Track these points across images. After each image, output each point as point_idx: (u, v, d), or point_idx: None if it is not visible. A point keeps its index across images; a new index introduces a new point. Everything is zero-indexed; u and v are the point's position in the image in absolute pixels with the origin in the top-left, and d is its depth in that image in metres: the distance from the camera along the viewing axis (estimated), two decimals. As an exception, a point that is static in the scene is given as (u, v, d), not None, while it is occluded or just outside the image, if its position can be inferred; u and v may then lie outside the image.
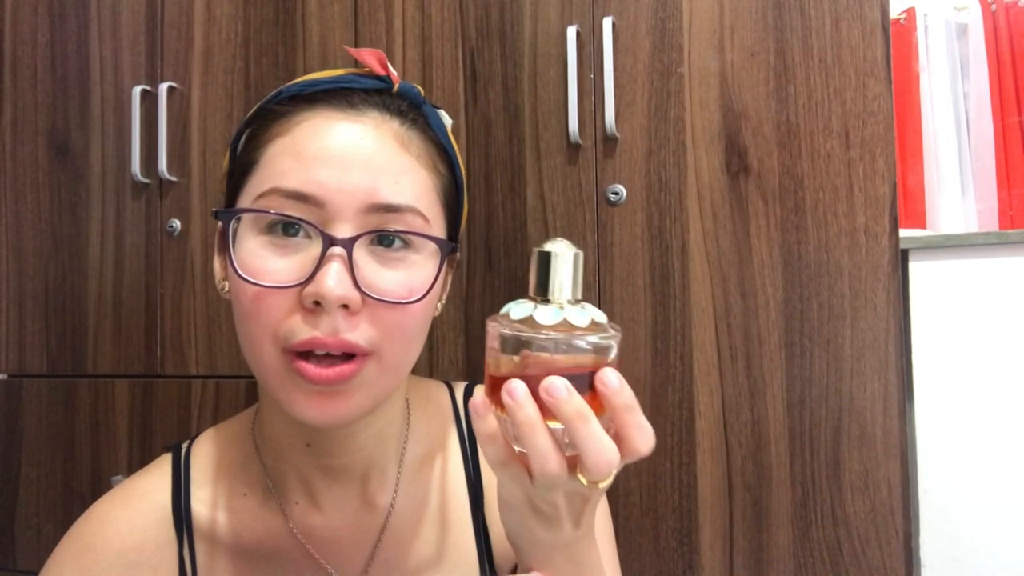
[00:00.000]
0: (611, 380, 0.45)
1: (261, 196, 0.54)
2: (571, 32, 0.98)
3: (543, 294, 0.46)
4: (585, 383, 0.45)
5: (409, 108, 0.59)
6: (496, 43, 1.04)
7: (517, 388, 0.43)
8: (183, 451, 0.65)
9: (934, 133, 1.41)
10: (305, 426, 0.59)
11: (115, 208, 1.24)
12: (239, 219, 0.55)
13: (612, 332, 0.46)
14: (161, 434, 1.17)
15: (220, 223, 0.58)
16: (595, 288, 0.99)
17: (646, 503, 0.94)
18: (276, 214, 0.53)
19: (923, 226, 1.40)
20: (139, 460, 1.18)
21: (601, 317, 0.46)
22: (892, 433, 0.88)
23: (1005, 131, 1.39)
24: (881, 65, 0.90)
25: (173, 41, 1.22)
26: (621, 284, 0.98)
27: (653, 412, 0.95)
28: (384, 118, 0.57)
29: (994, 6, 1.41)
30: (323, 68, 1.12)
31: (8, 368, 1.30)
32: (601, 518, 0.70)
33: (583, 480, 0.45)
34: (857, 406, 0.89)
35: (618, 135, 0.98)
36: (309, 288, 0.52)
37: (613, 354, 0.46)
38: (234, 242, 0.55)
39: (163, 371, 1.19)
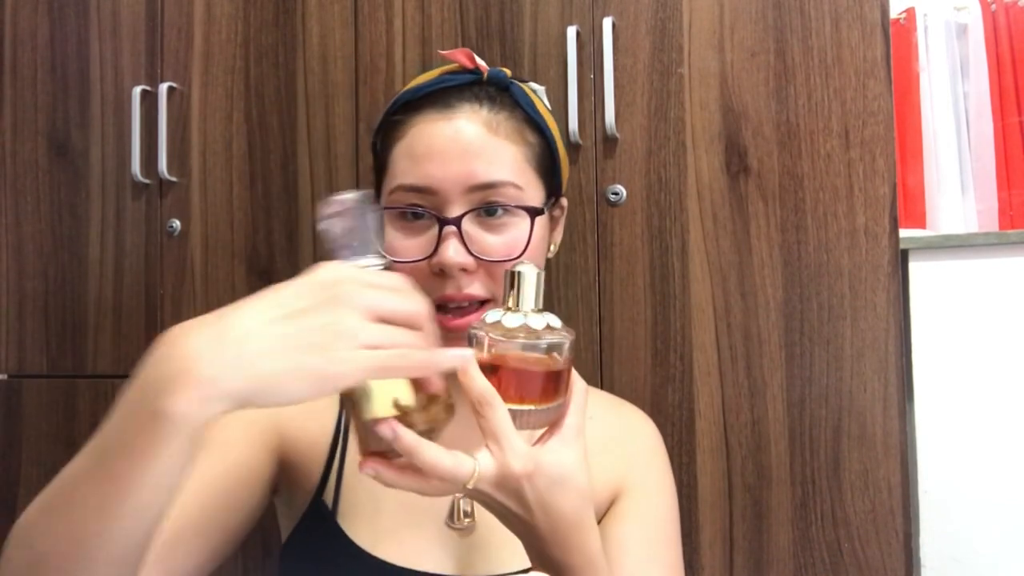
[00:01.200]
0: (387, 434, 0.49)
1: (391, 192, 0.70)
2: (571, 32, 0.98)
3: (513, 305, 0.55)
4: (538, 380, 0.54)
5: (497, 92, 0.72)
6: (496, 43, 1.04)
7: (386, 429, 0.49)
8: None
9: (934, 133, 1.41)
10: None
11: (115, 208, 1.24)
12: (382, 213, 0.71)
13: (564, 335, 0.55)
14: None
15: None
16: (595, 288, 0.99)
17: (646, 503, 0.94)
18: (402, 207, 0.69)
19: (923, 226, 1.40)
20: (139, 460, 1.18)
21: (556, 323, 0.55)
22: (892, 433, 0.88)
23: (1005, 131, 1.39)
24: (881, 65, 0.90)
25: (173, 41, 1.22)
26: (621, 284, 0.98)
27: (653, 412, 0.95)
28: (475, 108, 0.70)
29: (994, 6, 1.41)
30: (323, 68, 1.13)
31: (8, 368, 1.30)
32: (663, 512, 0.77)
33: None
34: (857, 406, 0.89)
35: (618, 135, 0.98)
36: (434, 260, 0.66)
37: (565, 352, 0.54)
38: (384, 230, 0.70)
39: (163, 371, 1.19)
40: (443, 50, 1.07)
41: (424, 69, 1.08)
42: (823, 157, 0.91)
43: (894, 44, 1.16)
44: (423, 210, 0.68)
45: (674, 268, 0.96)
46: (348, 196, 0.54)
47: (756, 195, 0.94)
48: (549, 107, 0.79)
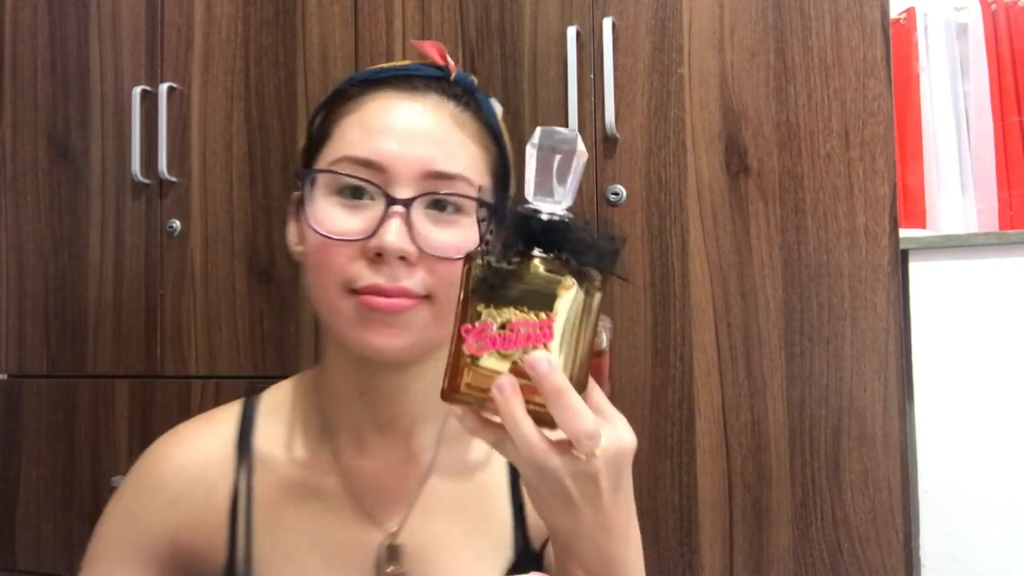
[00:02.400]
0: (540, 364, 0.46)
1: (333, 163, 0.62)
2: (571, 32, 0.98)
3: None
4: (595, 366, 0.49)
5: (463, 93, 0.66)
6: (496, 43, 1.04)
7: (505, 384, 0.46)
8: (255, 397, 0.74)
9: (934, 133, 1.41)
10: (361, 374, 0.67)
11: (115, 208, 1.24)
12: (313, 182, 0.63)
13: (606, 321, 0.51)
14: (161, 434, 1.17)
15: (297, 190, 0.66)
16: (595, 288, 0.99)
17: (646, 503, 0.94)
18: (347, 175, 0.61)
19: (923, 226, 1.40)
20: (139, 460, 1.18)
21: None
22: (892, 433, 0.88)
23: (1005, 131, 1.39)
24: (881, 65, 0.90)
25: (173, 41, 1.22)
26: (621, 284, 0.98)
27: (653, 412, 0.95)
28: (442, 100, 0.64)
29: (994, 6, 1.41)
30: (323, 68, 1.13)
31: (8, 368, 1.30)
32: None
33: (582, 456, 0.48)
34: (857, 406, 0.89)
35: (618, 135, 0.98)
36: (372, 241, 0.59)
37: (608, 337, 0.50)
38: (310, 202, 0.62)
39: (163, 371, 1.19)
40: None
41: (424, 69, 1.08)
42: (823, 157, 0.91)
43: (894, 44, 1.16)
44: (368, 183, 0.60)
45: (674, 268, 0.96)
46: (570, 132, 0.49)
47: (756, 195, 0.94)
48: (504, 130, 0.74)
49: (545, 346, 0.47)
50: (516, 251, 0.48)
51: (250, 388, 1.12)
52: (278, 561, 0.66)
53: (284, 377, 0.76)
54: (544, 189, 0.48)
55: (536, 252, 0.48)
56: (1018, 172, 1.38)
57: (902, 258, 0.98)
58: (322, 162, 0.63)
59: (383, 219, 0.59)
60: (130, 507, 0.69)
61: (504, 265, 0.48)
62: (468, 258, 0.49)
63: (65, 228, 1.27)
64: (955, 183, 1.40)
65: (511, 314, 0.47)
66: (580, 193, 0.99)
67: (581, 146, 0.49)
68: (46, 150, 1.30)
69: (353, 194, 0.61)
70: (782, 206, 0.93)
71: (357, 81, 0.66)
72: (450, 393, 0.49)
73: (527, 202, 0.49)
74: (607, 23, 0.97)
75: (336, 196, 0.62)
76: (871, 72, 0.90)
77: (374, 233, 0.59)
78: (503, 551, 0.69)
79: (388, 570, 0.66)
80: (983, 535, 1.00)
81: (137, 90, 1.21)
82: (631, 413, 0.88)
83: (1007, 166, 1.38)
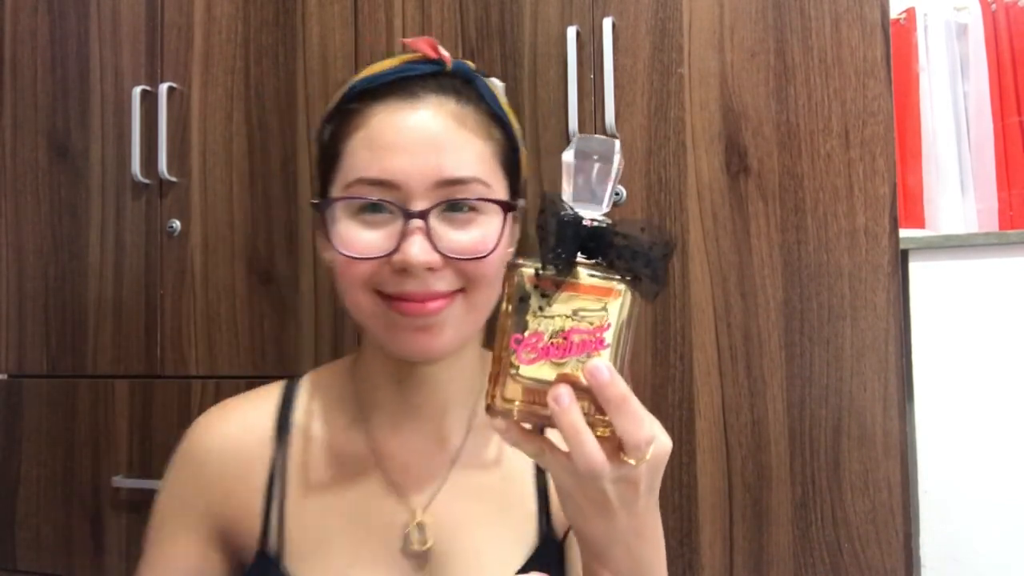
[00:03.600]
0: (601, 373, 0.46)
1: (349, 185, 0.64)
2: (571, 32, 0.98)
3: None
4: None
5: (462, 85, 0.68)
6: (496, 43, 1.04)
7: (563, 394, 0.46)
8: (298, 377, 0.78)
9: (934, 133, 1.41)
10: (398, 366, 0.69)
11: (115, 208, 1.24)
12: (333, 205, 0.66)
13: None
14: (161, 434, 1.17)
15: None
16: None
17: (646, 503, 0.94)
18: (364, 199, 0.63)
19: (923, 226, 1.40)
20: (139, 460, 1.18)
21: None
22: (892, 433, 0.88)
23: (1005, 131, 1.39)
24: (881, 65, 0.90)
25: (173, 41, 1.22)
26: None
27: (653, 412, 0.95)
28: (441, 100, 0.65)
29: (994, 6, 1.41)
30: (323, 68, 1.13)
31: (8, 368, 1.30)
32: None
33: (631, 461, 0.48)
34: (857, 406, 0.89)
35: (618, 135, 0.98)
36: (396, 257, 0.61)
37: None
38: (332, 223, 0.65)
39: (163, 371, 1.19)
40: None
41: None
42: (823, 157, 0.91)
43: (894, 44, 1.16)
44: (386, 203, 0.63)
45: (674, 268, 0.96)
46: (603, 138, 0.48)
47: (756, 195, 0.94)
48: (509, 105, 0.75)
49: (599, 354, 0.46)
50: (563, 258, 0.47)
51: (250, 388, 1.13)
52: (310, 533, 0.69)
53: (284, 377, 0.78)
54: (584, 195, 0.48)
55: (582, 259, 0.47)
56: (1018, 172, 1.38)
57: (902, 258, 0.98)
58: (338, 183, 0.66)
59: (403, 234, 0.61)
60: (178, 479, 0.74)
61: (552, 273, 0.47)
62: (512, 267, 0.48)
63: (65, 228, 1.27)
64: (955, 183, 1.40)
65: (563, 323, 0.47)
66: (580, 193, 0.99)
67: (618, 152, 0.48)
68: (46, 150, 1.30)
69: (372, 210, 0.64)
70: (782, 206, 0.93)
71: (358, 91, 0.67)
72: (497, 406, 0.48)
73: (567, 208, 0.48)
74: (607, 23, 0.97)
75: (357, 215, 0.64)
76: (871, 72, 0.90)
77: (397, 248, 0.61)
78: (526, 536, 0.71)
79: (414, 547, 0.68)
80: (983, 535, 1.00)
81: (137, 90, 1.21)
82: (631, 413, 0.88)
83: (1007, 166, 1.38)
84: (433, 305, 0.62)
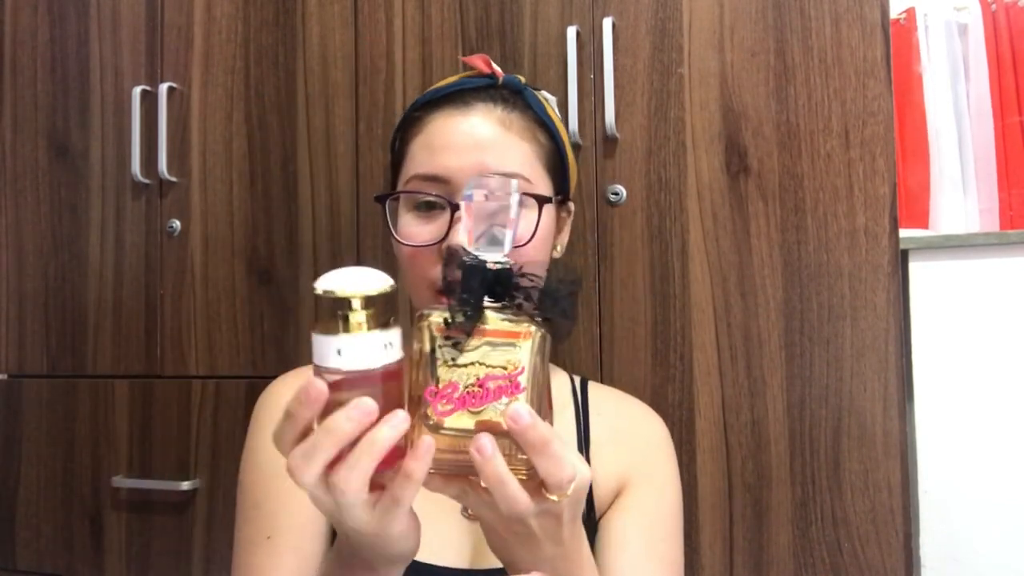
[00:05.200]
0: (522, 418, 0.46)
1: (407, 182, 0.74)
2: (571, 32, 0.98)
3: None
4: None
5: (511, 95, 0.77)
6: (496, 43, 1.04)
7: (486, 445, 0.46)
8: None
9: (935, 133, 1.41)
10: None
11: (115, 208, 1.24)
12: (397, 199, 0.76)
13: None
14: (161, 434, 1.17)
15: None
16: (595, 288, 0.99)
17: (646, 503, 0.94)
18: (414, 192, 0.73)
19: (925, 226, 1.40)
20: (139, 460, 1.18)
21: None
22: (892, 433, 0.88)
23: (1005, 131, 1.39)
24: (881, 65, 0.90)
25: (173, 41, 1.22)
26: (621, 284, 0.98)
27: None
28: (489, 107, 0.74)
29: (994, 6, 1.41)
30: (323, 68, 1.13)
31: (8, 368, 1.30)
32: (668, 506, 0.79)
33: (553, 498, 0.48)
34: (857, 406, 0.89)
35: (618, 135, 0.98)
36: (445, 244, 0.69)
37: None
38: (395, 218, 0.76)
39: (163, 371, 1.19)
40: (443, 50, 1.07)
41: (424, 69, 1.08)
42: (823, 157, 0.91)
43: (894, 44, 1.16)
44: (435, 196, 0.71)
45: (674, 268, 0.96)
46: (500, 178, 0.49)
47: (756, 195, 0.94)
48: (559, 115, 0.83)
49: (516, 397, 0.46)
50: (471, 304, 0.46)
51: (250, 388, 1.13)
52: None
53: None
54: (484, 238, 0.48)
55: (490, 303, 0.47)
56: (1019, 172, 1.38)
57: (902, 258, 0.98)
58: (400, 181, 0.76)
59: (452, 223, 0.69)
60: (253, 448, 0.79)
61: (461, 321, 0.46)
62: (420, 317, 0.47)
63: (65, 228, 1.27)
64: (956, 183, 1.40)
65: (477, 370, 0.46)
66: (580, 193, 0.99)
67: (516, 191, 0.48)
68: (46, 150, 1.30)
69: (427, 205, 0.72)
70: (782, 206, 0.93)
71: (421, 103, 0.77)
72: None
73: (470, 254, 0.47)
74: (607, 23, 0.97)
75: (414, 210, 0.73)
76: (871, 72, 0.90)
77: (445, 236, 0.69)
78: None
79: (472, 512, 0.71)
80: (983, 535, 1.00)
81: (137, 90, 1.21)
82: (631, 413, 0.88)
83: (1007, 166, 1.38)
84: None
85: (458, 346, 0.46)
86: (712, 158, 0.95)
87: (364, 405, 0.44)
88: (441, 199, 0.71)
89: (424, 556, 0.69)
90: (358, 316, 0.45)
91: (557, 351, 0.97)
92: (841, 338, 0.90)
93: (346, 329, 0.45)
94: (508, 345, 0.47)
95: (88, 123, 1.27)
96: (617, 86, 0.98)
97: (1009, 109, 1.38)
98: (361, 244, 1.10)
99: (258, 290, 1.15)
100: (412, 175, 0.73)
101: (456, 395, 0.46)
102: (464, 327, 0.47)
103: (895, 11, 1.43)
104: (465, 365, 0.46)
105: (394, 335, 0.46)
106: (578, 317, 0.47)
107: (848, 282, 0.90)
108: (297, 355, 1.12)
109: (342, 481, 0.45)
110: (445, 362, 0.46)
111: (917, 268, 1.05)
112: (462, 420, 0.46)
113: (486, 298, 0.47)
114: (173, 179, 1.20)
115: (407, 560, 0.54)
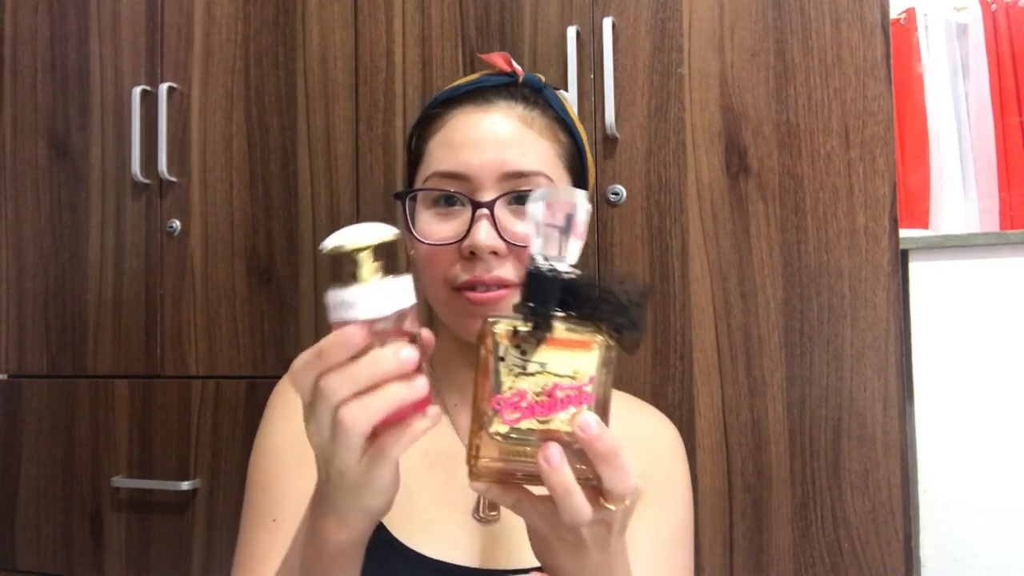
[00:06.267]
0: (591, 427, 0.46)
1: (427, 179, 0.72)
2: (571, 32, 0.98)
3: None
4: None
5: (531, 93, 0.75)
6: (496, 43, 1.04)
7: (554, 454, 0.46)
8: None
9: (935, 133, 1.41)
10: (469, 349, 0.72)
11: (115, 208, 1.24)
12: (415, 197, 0.74)
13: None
14: (161, 434, 1.17)
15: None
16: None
17: (646, 503, 0.94)
18: (435, 189, 0.71)
19: (925, 226, 1.40)
20: (139, 460, 1.18)
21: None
22: (892, 433, 0.88)
23: (1005, 131, 1.39)
24: (881, 65, 0.90)
25: (173, 41, 1.22)
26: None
27: (653, 412, 0.95)
28: (510, 105, 0.73)
29: (994, 6, 1.41)
30: (323, 68, 1.13)
31: (8, 368, 1.30)
32: (676, 516, 0.78)
33: (610, 507, 0.49)
34: (857, 406, 0.89)
35: (618, 135, 0.98)
36: (466, 242, 0.68)
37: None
38: (413, 215, 0.73)
39: (163, 371, 1.19)
40: (443, 50, 1.07)
41: (424, 69, 1.08)
42: (823, 157, 0.91)
43: (894, 44, 1.16)
44: (457, 194, 0.70)
45: (674, 268, 0.96)
46: (567, 188, 0.49)
47: (756, 195, 0.94)
48: (576, 114, 0.82)
49: (584, 408, 0.46)
50: (542, 314, 0.46)
51: (250, 388, 1.13)
52: (399, 495, 0.72)
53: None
54: (552, 247, 0.47)
55: (559, 312, 0.47)
56: (1019, 172, 1.38)
57: (902, 258, 0.98)
58: (419, 179, 0.74)
59: (472, 222, 0.68)
60: (266, 434, 0.79)
61: (531, 330, 0.46)
62: (488, 324, 0.47)
63: (65, 228, 1.27)
64: (956, 183, 1.40)
65: (545, 379, 0.46)
66: (580, 193, 0.99)
67: (585, 202, 0.48)
68: (46, 150, 1.30)
69: (446, 203, 0.71)
70: (782, 206, 0.93)
71: (440, 100, 0.76)
72: (480, 468, 0.48)
73: (541, 262, 0.47)
74: (607, 23, 0.97)
75: (433, 208, 0.72)
76: (871, 72, 0.90)
77: (466, 235, 0.68)
78: None
79: (482, 514, 0.73)
80: (983, 535, 1.00)
81: (137, 90, 1.21)
82: (631, 413, 0.88)
83: (1007, 166, 1.38)
84: (498, 293, 0.68)
85: (526, 355, 0.47)
86: (712, 158, 0.95)
87: (407, 354, 0.46)
88: (462, 196, 0.70)
89: (434, 552, 0.69)
90: (370, 266, 0.47)
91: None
92: (841, 338, 0.90)
93: (361, 279, 0.47)
94: (576, 355, 0.47)
95: (88, 123, 1.27)
96: (617, 86, 0.98)
97: (1009, 109, 1.39)
98: (361, 244, 1.10)
99: (258, 290, 1.15)
100: (432, 172, 0.71)
101: (524, 403, 0.46)
102: (534, 336, 0.47)
103: (895, 11, 1.43)
104: (533, 374, 0.46)
105: (406, 280, 0.48)
106: (647, 328, 0.47)
107: (848, 282, 0.90)
108: (297, 355, 1.12)
109: (350, 416, 0.46)
110: (511, 370, 0.47)
111: (917, 268, 1.05)
112: (528, 428, 0.47)
113: (559, 309, 0.47)
114: (173, 179, 1.20)
115: (380, 515, 0.54)
